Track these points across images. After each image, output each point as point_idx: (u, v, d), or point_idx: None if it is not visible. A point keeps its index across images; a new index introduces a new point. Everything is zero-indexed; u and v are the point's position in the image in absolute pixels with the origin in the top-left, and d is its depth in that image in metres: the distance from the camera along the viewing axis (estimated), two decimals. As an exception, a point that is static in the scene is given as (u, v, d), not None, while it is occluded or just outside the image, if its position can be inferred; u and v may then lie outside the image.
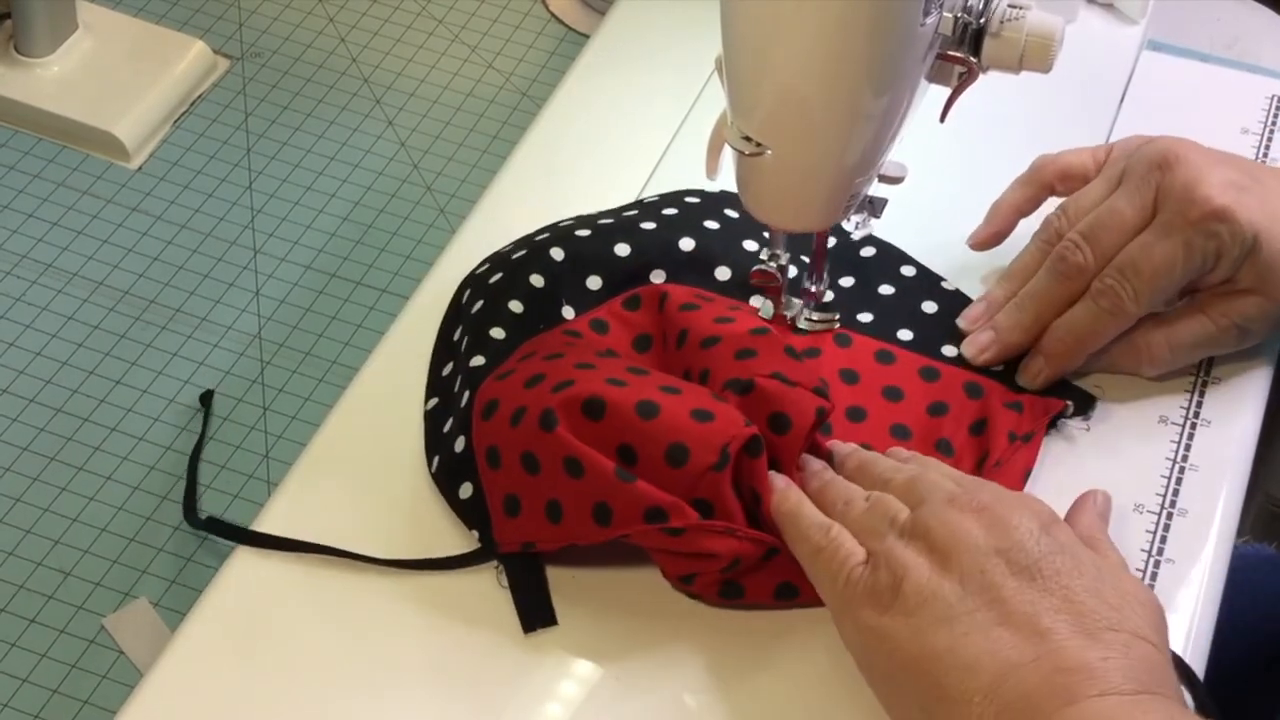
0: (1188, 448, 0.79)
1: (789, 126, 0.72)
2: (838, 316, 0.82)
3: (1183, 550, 0.75)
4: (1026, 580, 0.63)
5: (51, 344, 1.23)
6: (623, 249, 0.81)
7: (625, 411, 0.69)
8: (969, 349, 0.80)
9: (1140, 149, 0.79)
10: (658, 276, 0.81)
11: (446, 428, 0.76)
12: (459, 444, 0.74)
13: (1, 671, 1.05)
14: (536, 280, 0.80)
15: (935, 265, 0.86)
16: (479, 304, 0.80)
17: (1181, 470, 0.78)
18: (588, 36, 1.03)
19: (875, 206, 0.83)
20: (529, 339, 0.78)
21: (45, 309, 1.26)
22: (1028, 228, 0.83)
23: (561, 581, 0.72)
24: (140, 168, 1.37)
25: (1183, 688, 0.65)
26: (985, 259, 0.85)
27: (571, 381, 0.71)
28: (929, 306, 0.83)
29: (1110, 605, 0.62)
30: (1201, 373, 0.81)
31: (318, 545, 0.73)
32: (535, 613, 0.71)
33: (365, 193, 1.36)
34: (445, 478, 0.75)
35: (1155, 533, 0.75)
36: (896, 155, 0.78)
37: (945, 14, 0.71)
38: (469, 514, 0.73)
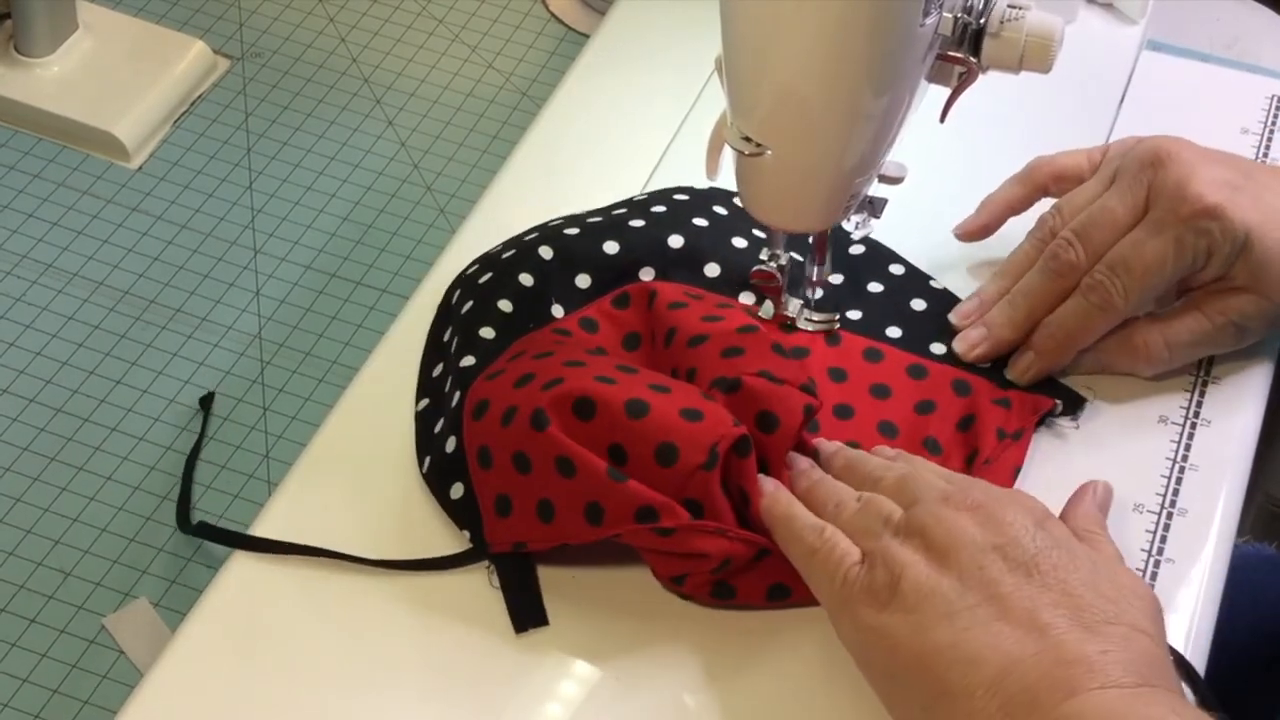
0: (1188, 447, 0.79)
1: (789, 126, 0.72)
2: (838, 317, 0.82)
3: (1183, 550, 0.75)
4: (1024, 576, 0.63)
5: (51, 344, 1.23)
6: (612, 247, 0.81)
7: (615, 411, 0.69)
8: (960, 345, 0.81)
9: (1133, 148, 0.79)
10: (647, 274, 0.81)
11: (437, 428, 0.76)
12: (450, 444, 0.74)
13: (1, 671, 1.05)
14: (526, 279, 0.80)
15: (935, 265, 0.86)
16: (468, 304, 0.80)
17: (1181, 470, 0.78)
18: (588, 36, 1.03)
19: (875, 206, 0.83)
20: (519, 338, 0.78)
21: (45, 309, 1.26)
22: (1023, 226, 0.83)
23: (553, 581, 0.72)
24: (140, 168, 1.37)
25: (1183, 684, 0.65)
26: (983, 258, 0.85)
27: (561, 379, 0.71)
28: (918, 304, 0.83)
29: (1107, 599, 0.63)
30: (1201, 372, 0.81)
31: (307, 547, 0.73)
32: (527, 613, 0.71)
33: (365, 193, 1.36)
34: (436, 478, 0.75)
35: (1155, 532, 0.75)
36: (896, 155, 0.78)
37: (945, 14, 0.71)
38: (460, 514, 0.73)
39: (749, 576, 0.71)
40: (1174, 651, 0.68)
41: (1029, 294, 0.79)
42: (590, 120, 0.95)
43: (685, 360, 0.75)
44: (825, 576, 0.67)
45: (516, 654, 0.70)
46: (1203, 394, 0.81)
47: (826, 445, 0.75)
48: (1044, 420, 0.78)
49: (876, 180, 0.78)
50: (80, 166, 1.37)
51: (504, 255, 0.82)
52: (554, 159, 0.92)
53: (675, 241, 0.82)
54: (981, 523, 0.65)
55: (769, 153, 0.72)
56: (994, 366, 0.80)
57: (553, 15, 1.52)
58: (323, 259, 1.31)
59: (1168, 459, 0.78)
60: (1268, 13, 1.07)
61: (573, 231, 0.82)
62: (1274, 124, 0.94)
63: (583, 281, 0.80)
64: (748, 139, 0.72)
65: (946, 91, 0.75)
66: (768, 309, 0.81)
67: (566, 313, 0.79)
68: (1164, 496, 0.77)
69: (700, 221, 0.83)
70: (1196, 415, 0.80)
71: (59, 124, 1.38)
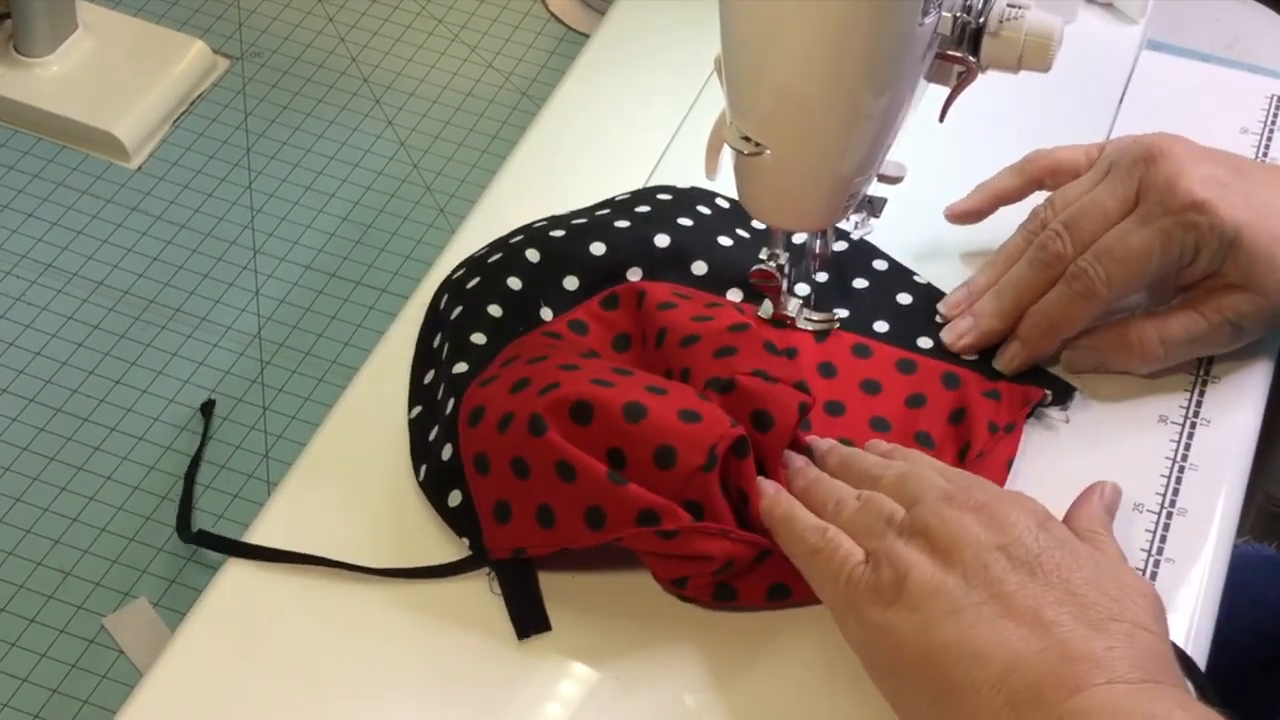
0: (1187, 447, 0.79)
1: (788, 126, 0.72)
2: (837, 316, 0.82)
3: (1183, 550, 0.75)
4: (1028, 574, 0.63)
5: (51, 344, 1.23)
6: (598, 248, 0.81)
7: (613, 414, 0.69)
8: (948, 335, 0.81)
9: (1129, 144, 0.79)
10: (634, 274, 0.81)
11: (432, 436, 0.76)
12: (446, 452, 0.74)
13: (1, 671, 1.05)
14: (514, 283, 0.79)
15: (934, 264, 0.85)
16: (457, 309, 0.80)
17: (1181, 469, 0.78)
18: (588, 36, 1.03)
19: (875, 206, 0.83)
20: (510, 342, 0.78)
21: (45, 309, 1.26)
22: (1017, 218, 0.83)
23: (553, 586, 0.72)
24: (140, 168, 1.37)
25: (1186, 680, 0.65)
26: (981, 257, 0.85)
27: (557, 384, 0.71)
28: (903, 299, 0.83)
29: (1110, 597, 0.63)
30: (1201, 372, 0.81)
31: (307, 556, 0.72)
32: (529, 619, 0.70)
33: (365, 193, 1.36)
34: (433, 486, 0.74)
35: (1155, 532, 0.75)
36: (896, 155, 0.78)
37: (944, 14, 0.71)
38: (459, 522, 0.73)
39: (750, 577, 0.71)
40: (1176, 647, 0.68)
41: (1016, 284, 0.80)
42: (590, 120, 0.95)
43: (678, 361, 0.75)
44: (829, 576, 0.67)
45: (517, 657, 0.70)
46: (1203, 393, 0.81)
47: (820, 443, 0.75)
48: (1034, 412, 0.79)
49: (876, 180, 0.78)
50: (80, 166, 1.37)
51: (490, 259, 0.82)
52: (553, 159, 0.92)
53: (661, 241, 0.82)
54: (985, 523, 0.65)
55: (768, 152, 0.72)
56: (982, 359, 0.80)
57: (552, 15, 1.52)
58: (322, 259, 1.31)
59: (1167, 458, 0.78)
60: (1268, 13, 1.07)
61: (558, 233, 0.82)
62: (1274, 124, 0.94)
63: (570, 283, 0.80)
64: (747, 139, 0.72)
65: (945, 91, 0.75)
66: (766, 308, 0.81)
67: (555, 315, 0.79)
68: (1164, 496, 0.76)
69: (685, 221, 0.83)
70: (1196, 415, 0.80)
71: (59, 124, 1.38)
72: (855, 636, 0.67)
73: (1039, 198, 0.83)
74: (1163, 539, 0.75)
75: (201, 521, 1.12)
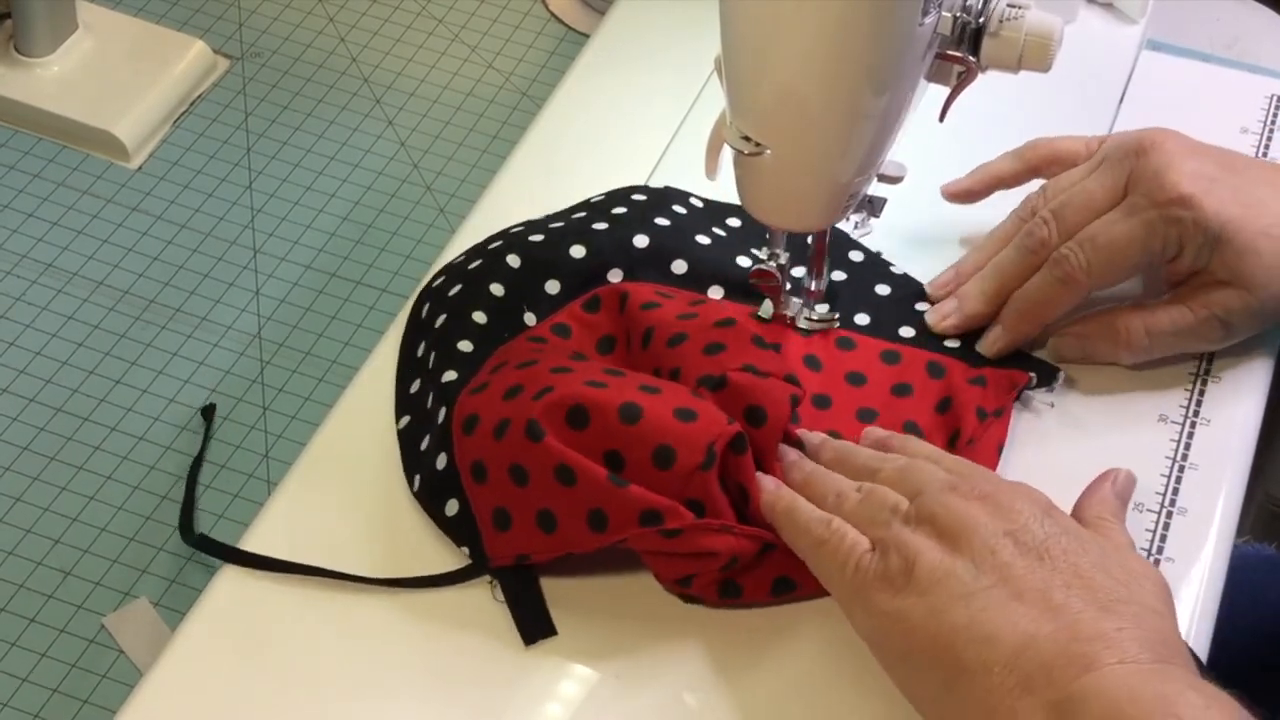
0: (1187, 446, 0.79)
1: (788, 126, 0.72)
2: (837, 316, 0.82)
3: (1182, 549, 0.75)
4: (1035, 559, 0.64)
5: (51, 344, 1.23)
6: (578, 251, 0.81)
7: (609, 417, 0.69)
8: (932, 316, 0.82)
9: (1125, 136, 0.80)
10: (615, 275, 0.81)
11: (424, 445, 0.76)
12: (441, 461, 0.74)
13: (1, 671, 1.05)
14: (496, 289, 0.80)
15: (934, 265, 0.85)
16: (441, 318, 0.80)
17: (1181, 469, 0.78)
18: (588, 36, 1.03)
19: (875, 206, 0.83)
20: (496, 349, 0.78)
21: (45, 309, 1.26)
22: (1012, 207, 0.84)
23: (555, 590, 0.72)
24: (140, 168, 1.37)
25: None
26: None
27: (550, 388, 0.71)
28: (882, 290, 0.84)
29: (1118, 581, 0.63)
30: (1201, 371, 0.81)
31: (307, 566, 0.72)
32: (535, 624, 0.70)
33: (365, 192, 1.36)
34: (429, 496, 0.74)
35: (1155, 531, 0.75)
36: (896, 155, 0.78)
37: (944, 14, 0.71)
38: (457, 530, 0.73)
39: (754, 573, 0.71)
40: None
41: (1001, 269, 0.80)
42: (590, 120, 0.95)
43: (667, 360, 0.75)
44: (836, 566, 0.67)
45: (518, 657, 0.70)
46: (1203, 393, 0.81)
47: (811, 437, 0.75)
48: (1027, 402, 0.79)
49: (876, 180, 0.78)
50: (80, 166, 1.37)
51: (470, 266, 0.81)
52: (553, 159, 0.92)
53: (640, 241, 0.82)
54: (991, 511, 0.66)
55: (768, 152, 0.72)
56: (965, 346, 0.81)
57: (553, 15, 1.52)
58: (322, 259, 1.31)
59: (1167, 458, 0.78)
60: (1268, 13, 1.07)
61: (537, 238, 0.82)
62: (1273, 123, 0.94)
63: (552, 287, 0.80)
64: (747, 138, 0.72)
65: (945, 91, 0.75)
66: (767, 308, 0.82)
67: (539, 320, 0.79)
68: (1164, 495, 0.77)
69: (662, 221, 0.83)
70: (1196, 414, 0.80)
71: (59, 124, 1.38)
72: (864, 625, 0.67)
73: (1036, 186, 0.83)
74: (1163, 538, 0.75)
75: (202, 521, 1.12)
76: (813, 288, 0.82)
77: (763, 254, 0.79)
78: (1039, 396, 0.79)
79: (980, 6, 0.72)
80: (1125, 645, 0.60)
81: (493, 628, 0.71)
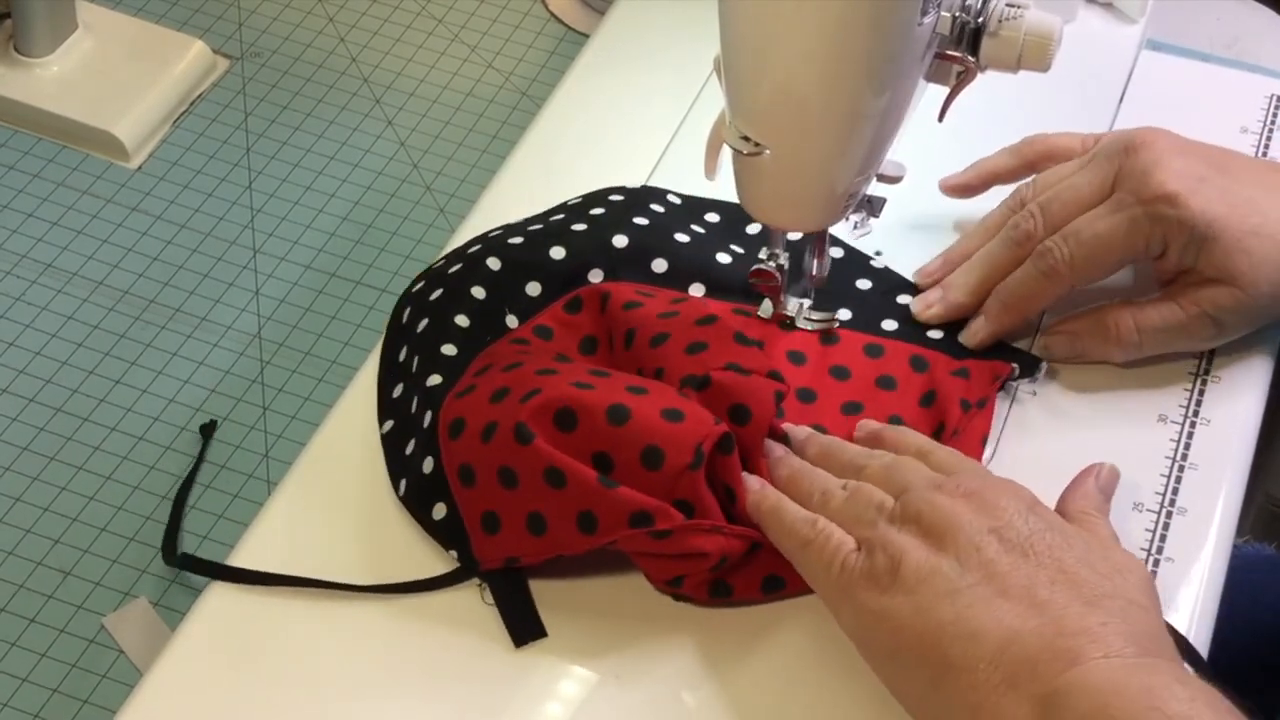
0: (1187, 446, 0.79)
1: (788, 126, 0.72)
2: (837, 315, 0.82)
3: (1182, 549, 0.75)
4: (1020, 556, 0.64)
5: (51, 344, 1.23)
6: (558, 252, 0.81)
7: (597, 418, 0.69)
8: (916, 305, 0.82)
9: (1117, 134, 0.80)
10: (595, 275, 0.81)
11: (409, 450, 0.76)
12: (427, 465, 0.74)
13: (1, 671, 1.05)
14: (478, 292, 0.80)
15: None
16: (423, 322, 0.80)
17: (1181, 469, 0.78)
18: (587, 36, 1.03)
19: (874, 206, 0.83)
20: (479, 352, 0.78)
21: (45, 309, 1.26)
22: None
23: (545, 592, 0.72)
24: (140, 168, 1.37)
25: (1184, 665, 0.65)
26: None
27: (537, 390, 0.71)
28: (863, 284, 0.84)
29: (1102, 575, 0.64)
30: (1201, 370, 0.81)
31: (293, 578, 0.72)
32: (524, 627, 0.70)
33: (365, 192, 1.36)
34: (415, 500, 0.74)
35: (1155, 531, 0.75)
36: (895, 155, 0.78)
37: (943, 13, 0.71)
38: (445, 534, 0.73)
39: (744, 572, 0.71)
40: (1179, 636, 0.69)
41: (986, 260, 0.81)
42: (589, 120, 0.95)
43: (650, 360, 0.75)
44: (822, 566, 0.68)
45: (512, 658, 0.70)
46: (1202, 393, 0.81)
47: (797, 431, 0.75)
48: (1005, 386, 0.79)
49: (875, 180, 0.78)
50: (80, 166, 1.37)
51: (450, 270, 0.82)
52: (553, 159, 0.92)
53: (620, 241, 0.82)
54: (976, 508, 0.66)
55: (768, 152, 0.72)
56: (948, 338, 0.81)
57: (552, 15, 1.52)
58: (322, 259, 1.31)
59: (1167, 458, 0.78)
60: (1268, 13, 1.07)
61: (517, 240, 0.82)
62: (1273, 123, 0.94)
63: (533, 289, 0.80)
64: (746, 138, 0.72)
65: (945, 91, 0.75)
66: (766, 309, 0.82)
67: (520, 322, 0.79)
68: (1164, 495, 0.77)
69: (641, 220, 0.83)
70: (1196, 414, 0.80)
71: (59, 124, 1.38)
72: (851, 624, 0.67)
73: None
74: (1162, 538, 0.75)
75: (201, 522, 1.12)
76: (814, 271, 0.82)
77: (762, 254, 0.79)
78: (1022, 386, 0.79)
79: (979, 6, 0.72)
80: (1110, 639, 0.60)
81: (484, 629, 0.71)
